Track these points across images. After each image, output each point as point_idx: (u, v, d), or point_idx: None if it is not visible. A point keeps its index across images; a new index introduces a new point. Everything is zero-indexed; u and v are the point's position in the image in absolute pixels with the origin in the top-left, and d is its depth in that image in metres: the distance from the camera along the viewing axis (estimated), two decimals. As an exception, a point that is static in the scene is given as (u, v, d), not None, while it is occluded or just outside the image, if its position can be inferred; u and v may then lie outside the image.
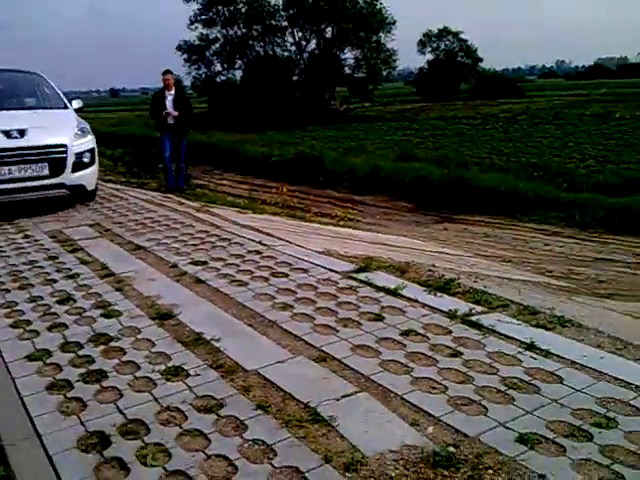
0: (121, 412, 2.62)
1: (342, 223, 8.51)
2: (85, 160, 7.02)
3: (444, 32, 43.24)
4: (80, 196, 7.20)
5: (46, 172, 6.58)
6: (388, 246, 6.42)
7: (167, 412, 2.61)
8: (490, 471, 2.15)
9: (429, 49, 43.96)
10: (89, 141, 7.25)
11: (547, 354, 3.03)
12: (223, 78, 33.55)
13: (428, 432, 2.40)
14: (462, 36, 42.98)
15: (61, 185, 6.75)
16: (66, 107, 7.76)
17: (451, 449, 2.28)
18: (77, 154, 6.89)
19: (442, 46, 43.76)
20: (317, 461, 2.23)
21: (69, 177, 6.79)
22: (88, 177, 7.14)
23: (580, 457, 2.22)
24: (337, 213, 9.58)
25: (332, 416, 2.51)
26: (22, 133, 6.55)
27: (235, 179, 13.83)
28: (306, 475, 2.15)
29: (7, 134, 6.47)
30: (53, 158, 6.63)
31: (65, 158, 6.74)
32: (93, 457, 2.31)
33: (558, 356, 3.00)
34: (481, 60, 44.08)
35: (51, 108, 7.67)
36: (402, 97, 44.60)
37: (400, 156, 14.55)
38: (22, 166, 6.42)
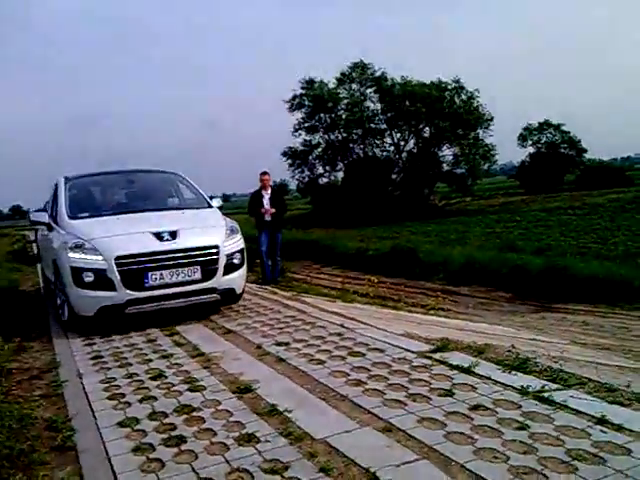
0: (195, 472, 2.82)
1: (432, 312, 8.52)
2: (235, 262, 6.53)
3: (545, 125, 43.26)
4: (229, 300, 6.73)
5: (198, 276, 6.11)
6: (476, 332, 6.38)
7: (236, 473, 2.78)
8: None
9: (530, 142, 43.94)
10: (239, 241, 6.76)
11: (619, 428, 2.95)
12: (325, 180, 35.04)
13: (483, 498, 2.42)
14: (564, 128, 42.79)
15: (212, 290, 6.26)
16: (210, 206, 7.39)
17: (504, 515, 2.28)
18: (228, 255, 6.41)
19: (544, 139, 43.65)
20: (369, 520, 2.30)
21: (220, 281, 6.29)
22: (238, 280, 6.62)
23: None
24: (429, 303, 9.59)
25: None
26: (174, 235, 6.13)
27: (332, 272, 14.20)
28: (357, 532, 2.23)
29: (158, 236, 6.07)
30: (205, 261, 6.18)
31: (217, 260, 6.26)
32: (165, 509, 2.51)
33: (630, 430, 2.92)
34: (585, 151, 43.46)
35: (196, 208, 7.27)
36: (504, 190, 44.36)
37: (500, 248, 14.43)
38: (174, 270, 5.98)
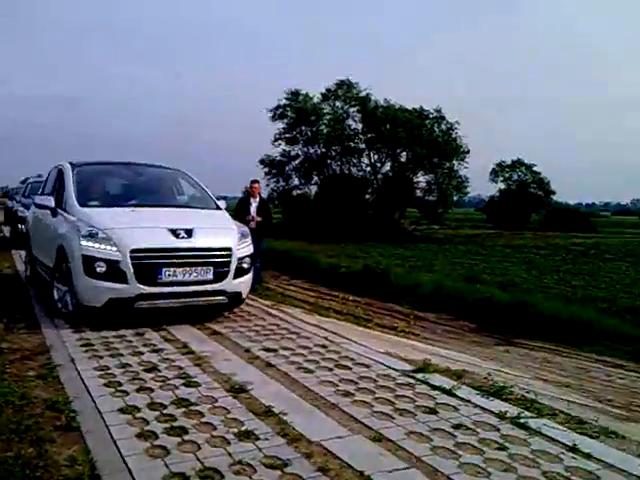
0: (199, 460, 3.01)
1: (402, 334, 8.79)
2: (245, 266, 6.54)
3: (517, 164, 44.25)
4: (235, 304, 6.72)
5: (210, 277, 6.09)
6: (447, 358, 6.67)
7: (239, 465, 2.98)
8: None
9: (501, 178, 44.90)
10: (249, 245, 6.76)
11: (588, 456, 3.24)
12: (299, 192, 35.21)
13: (469, 507, 2.67)
14: (535, 169, 43.91)
15: (222, 292, 6.23)
16: (218, 207, 7.41)
17: (489, 523, 2.53)
18: (239, 259, 6.42)
19: (515, 176, 44.63)
20: (368, 517, 2.53)
21: (230, 284, 6.28)
22: (245, 284, 6.63)
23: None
24: (398, 325, 9.87)
25: (384, 484, 2.81)
26: (189, 233, 6.10)
27: (303, 286, 14.37)
28: (358, 526, 2.46)
29: (174, 233, 6.04)
30: (218, 262, 6.17)
31: (229, 262, 6.26)
32: (175, 492, 2.70)
33: (598, 459, 3.21)
34: (554, 193, 44.53)
35: (206, 208, 7.28)
36: (472, 222, 45.24)
37: (466, 279, 14.82)
38: (187, 269, 5.95)
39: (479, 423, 3.68)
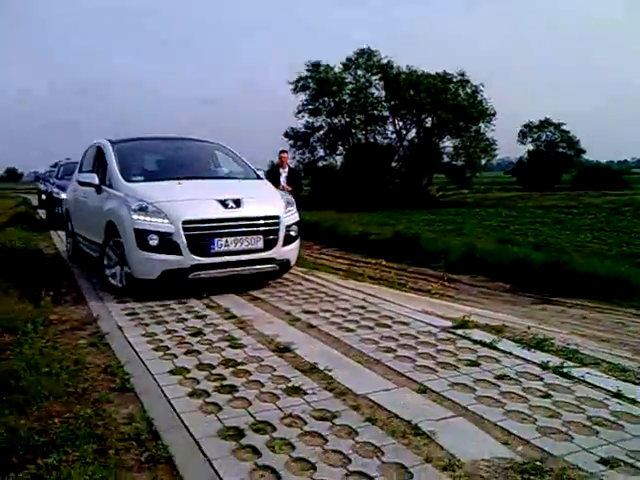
0: (251, 415, 3.11)
1: (437, 296, 8.83)
2: (292, 234, 6.62)
3: (545, 123, 43.48)
4: (284, 271, 6.85)
5: (260, 245, 6.19)
6: (484, 317, 6.70)
7: (289, 418, 3.08)
8: (573, 481, 2.45)
9: (530, 139, 44.21)
10: (295, 213, 6.84)
11: (633, 402, 3.27)
12: (325, 162, 35.20)
13: (518, 450, 2.73)
14: (564, 128, 43.10)
15: (272, 260, 6.35)
16: (260, 177, 7.57)
17: (538, 463, 2.59)
18: (287, 227, 6.51)
19: (543, 137, 43.92)
20: (419, 461, 2.61)
21: (279, 251, 6.39)
22: (293, 252, 6.75)
23: (657, 477, 2.48)
24: (433, 288, 9.90)
25: (432, 431, 2.88)
26: (237, 203, 6.18)
27: (334, 254, 14.44)
28: (410, 470, 2.54)
29: (223, 203, 6.12)
30: (267, 230, 6.26)
31: (277, 230, 6.35)
32: (231, 444, 2.80)
33: (644, 404, 3.25)
34: (584, 151, 43.77)
35: (248, 178, 7.41)
36: (501, 185, 44.72)
37: (498, 240, 14.74)
38: (238, 238, 6.04)
39: (522, 373, 3.73)
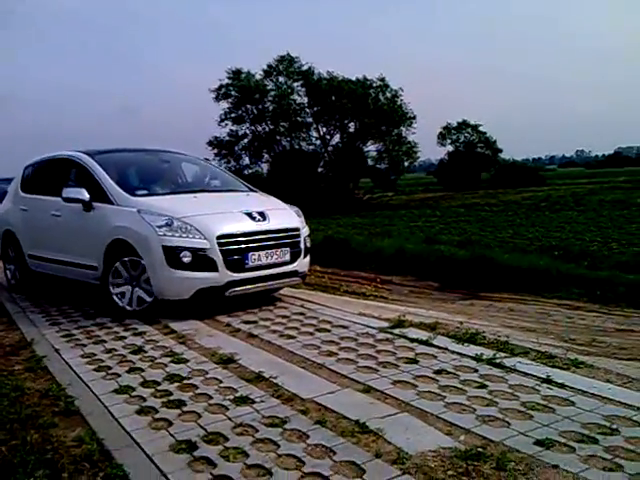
0: (202, 427, 3.15)
1: (371, 298, 9.04)
2: (308, 245, 6.55)
3: (463, 125, 44.97)
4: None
5: (287, 258, 6.08)
6: (417, 315, 6.93)
7: (240, 427, 3.13)
8: (512, 463, 2.62)
9: (449, 141, 45.62)
10: (305, 225, 6.76)
11: (562, 386, 3.52)
12: (251, 170, 35.12)
13: (460, 439, 2.89)
14: (481, 128, 44.71)
15: (296, 272, 6.25)
16: (254, 190, 7.28)
17: (480, 449, 2.76)
18: (304, 238, 6.46)
19: (462, 138, 45.41)
20: (370, 457, 2.73)
21: (301, 263, 6.33)
22: (308, 263, 6.69)
23: (587, 454, 2.69)
24: (366, 290, 10.10)
25: (379, 428, 3.01)
26: (263, 216, 6.02)
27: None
28: (362, 466, 2.65)
29: (251, 216, 5.93)
30: (292, 242, 6.17)
31: (299, 242, 6.28)
32: (185, 456, 2.83)
33: (571, 387, 3.50)
34: (501, 151, 45.56)
35: (246, 191, 7.14)
36: (424, 186, 45.90)
37: (425, 240, 15.16)
38: (269, 252, 5.90)
39: (458, 367, 3.93)
